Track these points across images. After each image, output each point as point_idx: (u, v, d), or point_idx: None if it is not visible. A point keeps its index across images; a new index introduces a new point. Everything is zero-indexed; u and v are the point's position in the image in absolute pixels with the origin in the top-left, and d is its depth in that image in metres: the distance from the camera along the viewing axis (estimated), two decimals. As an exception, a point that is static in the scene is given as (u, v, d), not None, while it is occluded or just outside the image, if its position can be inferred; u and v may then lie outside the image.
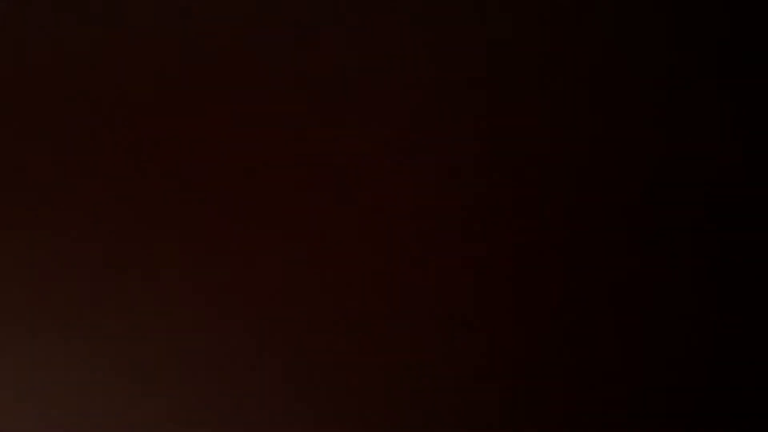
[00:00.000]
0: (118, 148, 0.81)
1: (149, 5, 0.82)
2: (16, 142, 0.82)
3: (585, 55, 0.81)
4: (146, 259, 0.81)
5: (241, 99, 0.82)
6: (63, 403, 0.81)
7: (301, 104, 0.82)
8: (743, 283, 0.80)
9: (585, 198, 0.80)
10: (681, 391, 0.79)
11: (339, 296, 0.81)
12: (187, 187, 0.81)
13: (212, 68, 0.82)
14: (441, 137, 0.81)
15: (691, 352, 0.80)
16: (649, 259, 0.80)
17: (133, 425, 0.81)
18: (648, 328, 0.80)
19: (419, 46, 0.81)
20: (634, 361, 0.80)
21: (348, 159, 0.81)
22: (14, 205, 0.82)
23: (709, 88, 0.81)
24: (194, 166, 0.81)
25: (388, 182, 0.81)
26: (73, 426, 0.81)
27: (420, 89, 0.81)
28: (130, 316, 0.81)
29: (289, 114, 0.81)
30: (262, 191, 0.81)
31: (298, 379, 0.80)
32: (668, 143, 0.81)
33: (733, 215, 0.80)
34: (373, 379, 0.80)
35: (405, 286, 0.80)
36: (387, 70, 0.81)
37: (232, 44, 0.82)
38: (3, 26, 0.82)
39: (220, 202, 0.81)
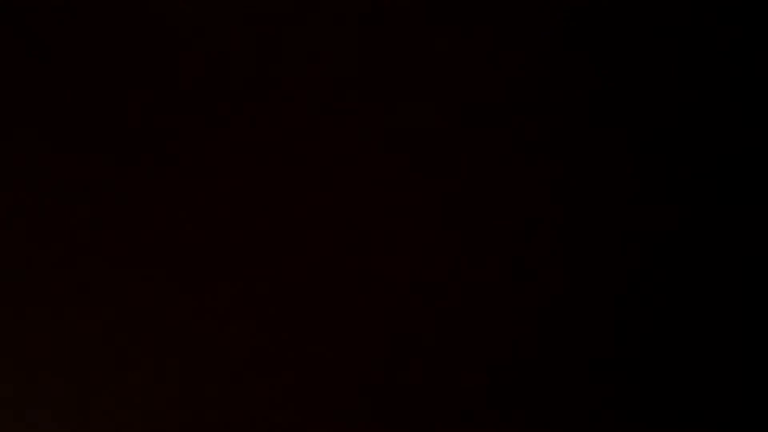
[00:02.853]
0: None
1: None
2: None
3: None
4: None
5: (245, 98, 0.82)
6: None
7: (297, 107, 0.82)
8: (742, 282, 0.79)
9: (583, 196, 0.80)
10: (679, 390, 0.79)
11: (338, 295, 0.81)
12: (190, 184, 0.81)
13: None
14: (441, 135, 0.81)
15: (690, 351, 0.79)
16: (648, 256, 0.80)
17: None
18: (647, 327, 0.80)
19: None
20: (633, 361, 0.79)
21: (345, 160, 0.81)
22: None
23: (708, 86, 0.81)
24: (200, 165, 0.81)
25: (385, 183, 0.81)
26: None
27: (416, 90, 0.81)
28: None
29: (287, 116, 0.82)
30: (262, 192, 0.81)
31: (303, 378, 0.81)
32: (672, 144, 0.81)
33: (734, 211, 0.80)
34: (372, 376, 0.80)
35: (402, 285, 0.80)
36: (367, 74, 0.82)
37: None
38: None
39: (224, 204, 0.81)
